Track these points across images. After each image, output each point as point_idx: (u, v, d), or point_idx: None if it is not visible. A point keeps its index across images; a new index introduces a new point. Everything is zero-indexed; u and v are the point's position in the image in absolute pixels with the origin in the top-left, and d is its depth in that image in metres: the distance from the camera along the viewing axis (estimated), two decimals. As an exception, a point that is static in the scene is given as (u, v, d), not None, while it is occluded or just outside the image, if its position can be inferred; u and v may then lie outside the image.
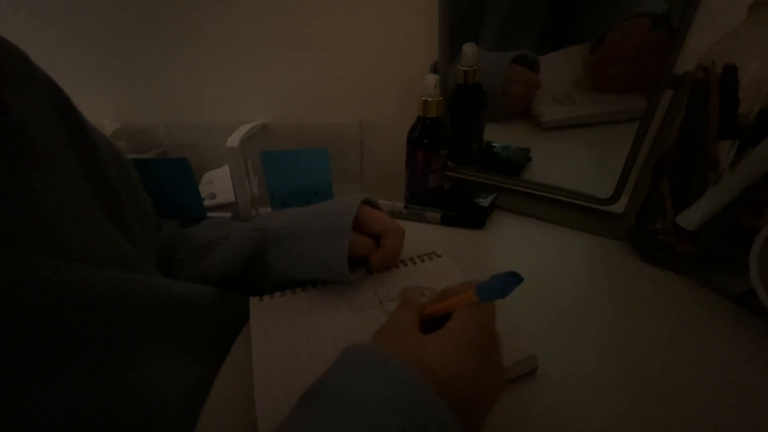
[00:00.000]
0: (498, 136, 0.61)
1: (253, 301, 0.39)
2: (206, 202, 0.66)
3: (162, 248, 0.44)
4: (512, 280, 0.24)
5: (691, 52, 0.41)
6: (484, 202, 0.54)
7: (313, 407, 0.22)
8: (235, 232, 0.42)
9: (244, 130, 0.65)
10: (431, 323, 0.27)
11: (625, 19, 0.46)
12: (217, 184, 0.73)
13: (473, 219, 0.53)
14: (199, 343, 0.36)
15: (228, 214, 0.66)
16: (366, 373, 0.22)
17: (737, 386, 0.32)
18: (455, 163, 0.62)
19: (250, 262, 0.41)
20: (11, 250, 0.23)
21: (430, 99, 0.50)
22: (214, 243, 0.43)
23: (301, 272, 0.40)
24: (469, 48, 0.54)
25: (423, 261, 0.43)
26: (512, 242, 0.51)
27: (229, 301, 0.40)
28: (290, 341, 0.34)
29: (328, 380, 0.24)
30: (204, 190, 0.71)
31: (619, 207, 0.51)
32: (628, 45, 0.47)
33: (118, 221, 0.35)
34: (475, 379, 0.23)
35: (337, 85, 0.70)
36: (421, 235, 0.52)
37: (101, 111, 0.81)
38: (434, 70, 0.59)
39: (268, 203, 0.59)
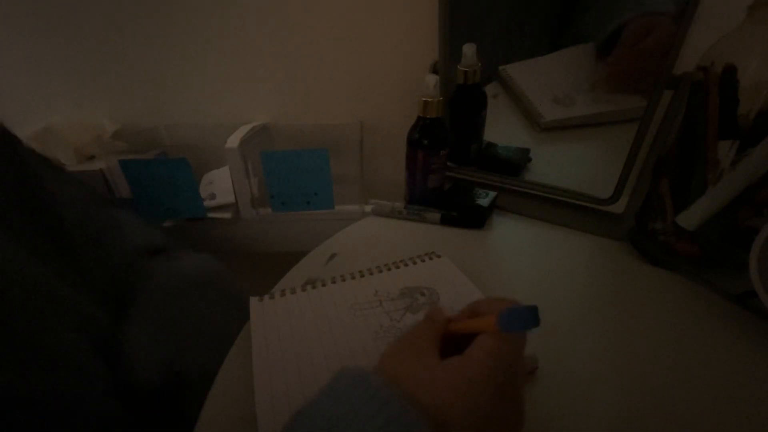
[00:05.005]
0: (498, 136, 0.61)
1: (253, 301, 0.39)
2: (206, 202, 0.66)
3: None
4: (531, 317, 0.21)
5: (691, 52, 0.41)
6: (484, 202, 0.54)
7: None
8: None
9: (244, 130, 0.65)
10: (456, 340, 0.25)
11: (641, 16, 0.45)
12: (217, 184, 0.72)
13: (473, 219, 0.53)
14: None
15: (228, 215, 0.66)
16: (361, 404, 0.21)
17: (737, 386, 0.32)
18: (455, 163, 0.62)
19: None
20: None
21: (430, 99, 0.50)
22: None
23: None
24: (469, 48, 0.54)
25: (423, 261, 0.43)
26: (512, 242, 0.51)
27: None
28: (290, 341, 0.34)
29: (320, 406, 0.22)
30: (204, 190, 0.71)
31: (619, 207, 0.51)
32: (652, 40, 0.44)
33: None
34: (485, 419, 0.22)
35: (337, 85, 0.70)
36: (421, 235, 0.52)
37: (101, 111, 0.81)
38: (434, 70, 0.59)
39: (268, 203, 0.59)
